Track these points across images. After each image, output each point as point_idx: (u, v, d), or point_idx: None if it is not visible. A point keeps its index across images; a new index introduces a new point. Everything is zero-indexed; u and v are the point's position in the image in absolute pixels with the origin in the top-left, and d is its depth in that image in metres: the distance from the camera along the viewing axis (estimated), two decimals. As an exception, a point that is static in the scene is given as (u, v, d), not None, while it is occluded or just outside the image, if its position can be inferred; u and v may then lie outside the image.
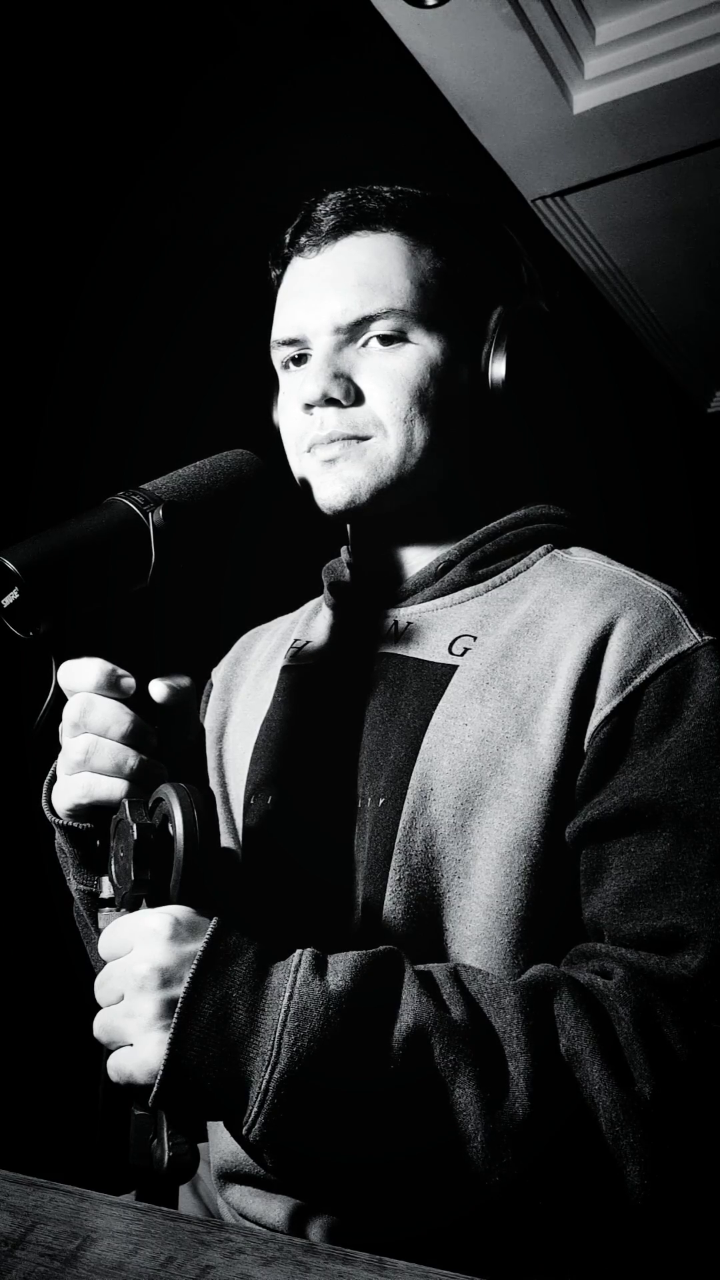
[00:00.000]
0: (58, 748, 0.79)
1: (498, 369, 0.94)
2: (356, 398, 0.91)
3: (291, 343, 0.95)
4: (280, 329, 0.96)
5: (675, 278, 2.88)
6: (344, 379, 0.91)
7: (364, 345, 0.92)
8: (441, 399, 0.92)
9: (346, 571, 1.05)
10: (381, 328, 0.91)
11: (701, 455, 3.84)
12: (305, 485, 0.95)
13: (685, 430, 3.76)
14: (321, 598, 1.09)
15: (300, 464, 0.96)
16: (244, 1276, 0.57)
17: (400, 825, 0.85)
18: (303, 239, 0.94)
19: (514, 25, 1.90)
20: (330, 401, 0.91)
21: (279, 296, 0.98)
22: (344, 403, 0.91)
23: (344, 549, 1.07)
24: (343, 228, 0.92)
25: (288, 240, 0.97)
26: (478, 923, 0.82)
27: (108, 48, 1.71)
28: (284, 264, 0.98)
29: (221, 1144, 0.92)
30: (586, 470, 2.77)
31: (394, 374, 0.91)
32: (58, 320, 1.98)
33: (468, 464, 0.98)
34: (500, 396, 0.95)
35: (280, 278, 0.98)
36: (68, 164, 1.89)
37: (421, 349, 0.92)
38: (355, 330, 0.91)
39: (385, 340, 0.91)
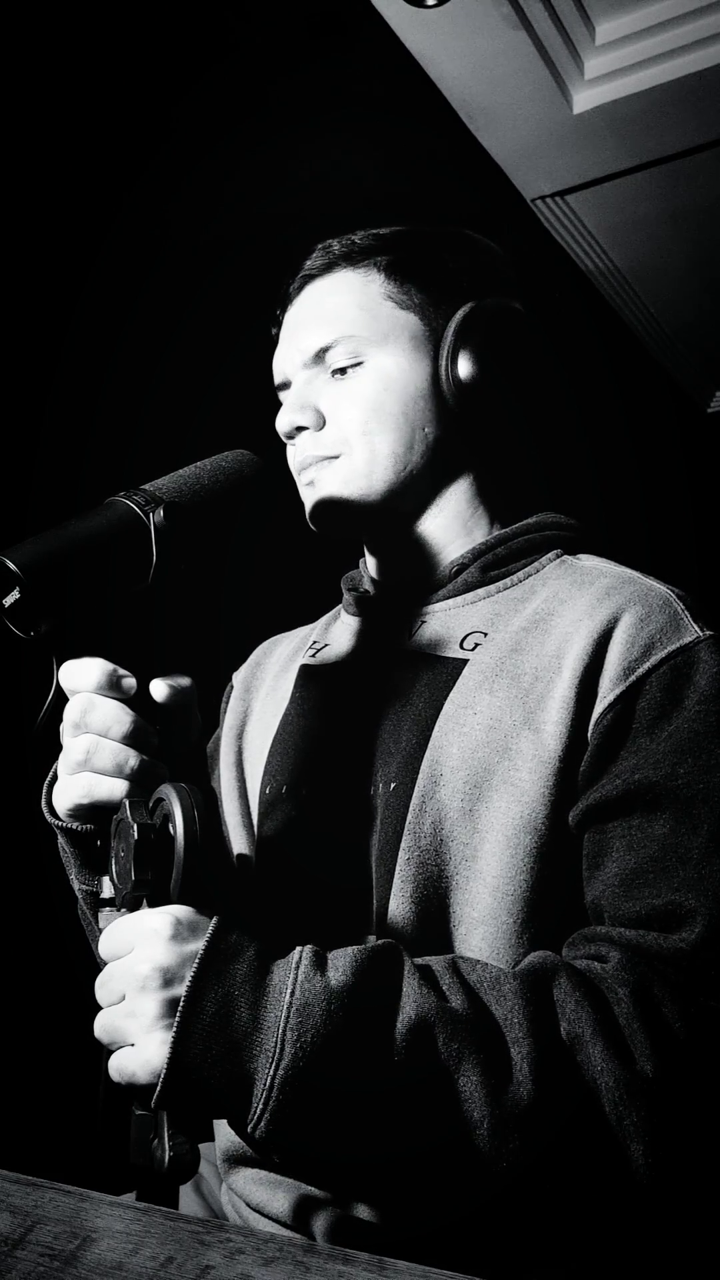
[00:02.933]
0: (58, 748, 0.79)
1: (461, 368, 0.98)
2: (323, 422, 0.99)
3: (281, 386, 1.06)
4: (274, 376, 1.06)
5: (675, 278, 2.88)
6: (310, 408, 1.00)
7: (330, 375, 0.99)
8: (402, 408, 0.98)
9: (365, 580, 1.10)
10: (338, 355, 0.99)
11: (701, 455, 3.84)
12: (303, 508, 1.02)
13: (685, 430, 3.75)
14: (340, 605, 1.14)
15: (299, 490, 1.04)
16: (244, 1276, 0.57)
17: (410, 809, 0.87)
18: (289, 292, 1.05)
19: (514, 25, 1.90)
20: (301, 429, 0.99)
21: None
22: (312, 429, 0.99)
23: (361, 560, 1.13)
24: (308, 277, 1.03)
25: (280, 297, 1.06)
26: (484, 904, 0.84)
27: (107, 48, 1.71)
28: (278, 324, 1.07)
29: (227, 1128, 0.92)
30: (586, 470, 2.77)
31: (351, 393, 0.98)
32: (58, 320, 1.98)
33: (466, 469, 1.02)
34: (465, 395, 0.98)
35: (277, 334, 1.07)
36: (67, 164, 1.89)
37: (376, 366, 0.98)
38: (318, 361, 1.00)
39: (344, 366, 0.98)
